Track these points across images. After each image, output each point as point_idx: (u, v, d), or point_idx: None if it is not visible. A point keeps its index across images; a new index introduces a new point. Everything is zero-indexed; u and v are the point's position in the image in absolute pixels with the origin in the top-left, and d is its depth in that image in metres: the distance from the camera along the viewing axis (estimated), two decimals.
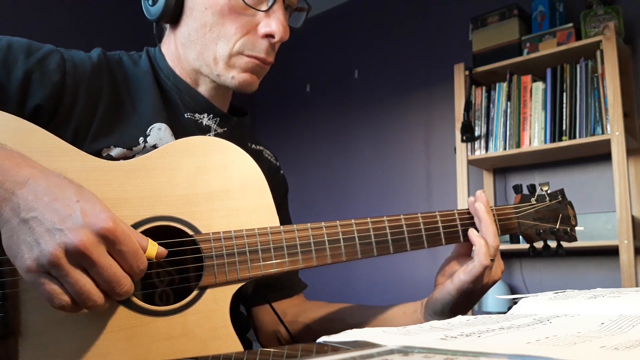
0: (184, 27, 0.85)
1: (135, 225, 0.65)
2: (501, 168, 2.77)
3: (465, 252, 0.86)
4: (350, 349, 0.40)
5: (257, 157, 1.01)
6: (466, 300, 0.79)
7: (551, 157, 2.52)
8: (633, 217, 2.15)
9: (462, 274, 0.78)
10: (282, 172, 1.07)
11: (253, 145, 1.02)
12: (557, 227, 0.91)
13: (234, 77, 0.83)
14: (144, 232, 0.65)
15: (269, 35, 0.82)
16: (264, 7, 0.81)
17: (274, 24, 0.81)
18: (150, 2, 0.85)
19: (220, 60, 0.83)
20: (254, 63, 0.83)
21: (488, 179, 2.79)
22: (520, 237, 0.90)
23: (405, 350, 0.36)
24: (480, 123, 2.55)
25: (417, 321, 0.84)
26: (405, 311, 0.87)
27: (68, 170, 0.62)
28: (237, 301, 0.91)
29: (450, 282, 0.79)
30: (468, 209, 0.85)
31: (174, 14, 0.84)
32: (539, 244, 0.92)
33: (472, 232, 0.81)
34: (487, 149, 2.51)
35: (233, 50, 0.82)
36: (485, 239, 0.79)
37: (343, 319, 0.93)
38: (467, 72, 2.56)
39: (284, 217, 1.05)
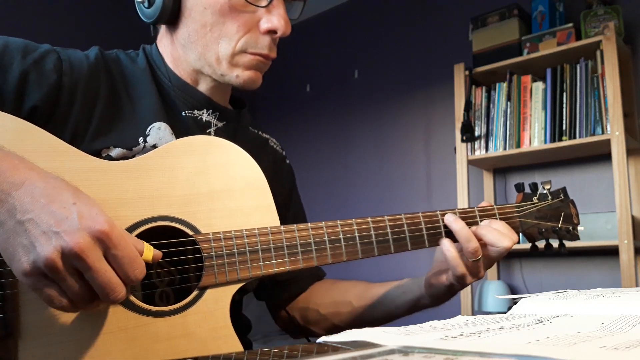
0: (182, 29, 0.83)
1: (135, 226, 0.65)
2: (501, 168, 2.77)
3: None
4: (351, 349, 0.40)
5: (262, 145, 1.01)
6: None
7: (551, 157, 2.52)
8: (633, 217, 2.15)
9: (446, 276, 0.81)
10: (287, 161, 1.06)
11: (259, 132, 1.01)
12: (560, 225, 0.91)
13: (239, 75, 0.83)
14: (144, 232, 0.65)
15: (272, 31, 0.81)
16: (264, 3, 0.80)
17: (275, 19, 0.80)
18: (145, 5, 0.83)
19: (223, 60, 0.82)
20: (258, 60, 0.82)
21: (488, 179, 2.79)
22: (520, 236, 0.90)
23: (405, 350, 0.37)
24: (480, 123, 2.55)
25: (415, 300, 0.90)
26: (405, 291, 0.92)
27: (67, 170, 0.62)
28: (239, 302, 0.91)
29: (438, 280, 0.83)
30: (469, 207, 0.86)
31: (171, 16, 0.82)
32: (540, 243, 0.92)
33: (444, 242, 0.80)
34: (487, 149, 2.51)
35: (236, 49, 0.81)
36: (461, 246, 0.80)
37: (349, 302, 0.96)
38: (467, 72, 2.56)
39: (297, 208, 1.04)
